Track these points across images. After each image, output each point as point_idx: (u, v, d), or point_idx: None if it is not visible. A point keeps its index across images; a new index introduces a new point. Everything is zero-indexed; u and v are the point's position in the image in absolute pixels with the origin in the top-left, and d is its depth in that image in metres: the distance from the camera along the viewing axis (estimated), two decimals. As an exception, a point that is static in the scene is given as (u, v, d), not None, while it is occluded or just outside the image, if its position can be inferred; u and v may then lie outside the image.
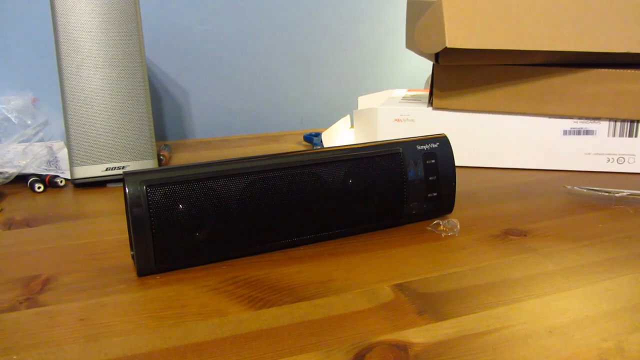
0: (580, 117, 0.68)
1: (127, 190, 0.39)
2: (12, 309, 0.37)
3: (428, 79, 0.97)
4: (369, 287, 0.39)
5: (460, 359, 0.31)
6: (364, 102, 0.93)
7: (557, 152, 0.70)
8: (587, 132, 0.69)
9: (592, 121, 0.68)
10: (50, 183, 0.67)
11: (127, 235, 0.51)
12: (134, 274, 0.42)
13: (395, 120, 0.74)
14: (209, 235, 0.42)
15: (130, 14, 0.66)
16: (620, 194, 0.58)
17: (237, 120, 1.07)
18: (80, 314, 0.36)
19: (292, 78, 1.09)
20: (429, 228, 0.51)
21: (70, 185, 0.68)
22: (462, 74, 0.70)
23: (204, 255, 0.43)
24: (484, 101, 0.70)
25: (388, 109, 0.75)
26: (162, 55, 0.99)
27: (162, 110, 1.02)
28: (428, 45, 0.66)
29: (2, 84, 0.89)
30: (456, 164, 0.73)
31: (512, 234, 0.49)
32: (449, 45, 0.62)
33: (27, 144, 0.78)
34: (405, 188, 0.49)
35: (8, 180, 0.68)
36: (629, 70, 0.65)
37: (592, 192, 0.59)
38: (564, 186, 0.63)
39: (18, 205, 0.61)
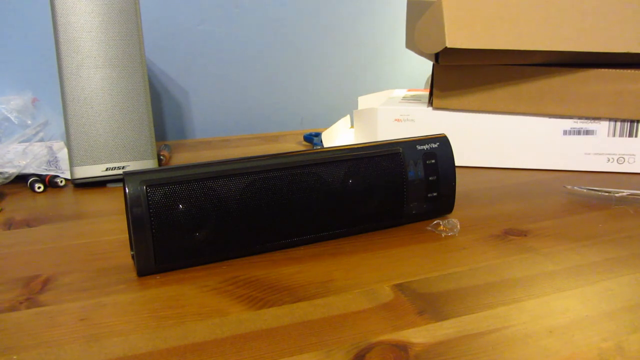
0: (580, 117, 0.68)
1: (127, 190, 0.39)
2: (12, 309, 0.37)
3: (428, 79, 0.97)
4: (369, 287, 0.39)
5: (460, 359, 0.31)
6: (364, 102, 0.93)
7: (557, 152, 0.70)
8: (587, 132, 0.69)
9: (592, 121, 0.68)
10: (50, 183, 0.67)
11: (127, 235, 0.51)
12: (134, 274, 0.42)
13: (395, 120, 0.74)
14: (209, 235, 0.42)
15: (130, 14, 0.66)
16: (620, 194, 0.58)
17: (237, 120, 1.07)
18: (80, 314, 0.36)
19: (292, 78, 1.09)
20: (429, 228, 0.51)
21: (70, 185, 0.68)
22: (462, 74, 0.70)
23: (204, 255, 0.43)
24: (484, 101, 0.70)
25: (388, 109, 0.75)
26: (162, 55, 0.99)
27: (162, 110, 1.02)
28: (428, 45, 0.66)
29: (2, 84, 0.89)
30: (456, 164, 0.73)
31: (512, 234, 0.49)
32: (449, 45, 0.62)
33: (27, 144, 0.78)
34: (405, 188, 0.49)
35: (8, 180, 0.68)
36: (629, 70, 0.65)
37: (592, 192, 0.59)
38: (564, 186, 0.63)
39: (18, 205, 0.61)
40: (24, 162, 0.70)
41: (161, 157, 0.79)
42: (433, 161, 0.50)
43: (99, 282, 0.41)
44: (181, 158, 0.84)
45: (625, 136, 0.68)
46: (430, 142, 0.50)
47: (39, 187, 0.66)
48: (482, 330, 0.33)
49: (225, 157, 0.59)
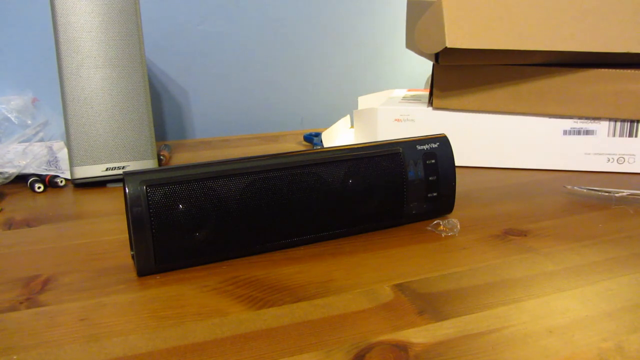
0: (580, 117, 0.68)
1: (127, 190, 0.39)
2: (12, 309, 0.37)
3: (428, 79, 0.97)
4: (369, 287, 0.39)
5: (460, 359, 0.31)
6: (364, 102, 0.93)
7: (557, 152, 0.70)
8: (587, 132, 0.69)
9: (592, 121, 0.68)
10: (50, 183, 0.67)
11: (127, 235, 0.51)
12: (134, 274, 0.42)
13: (395, 120, 0.74)
14: (209, 235, 0.42)
15: (130, 14, 0.66)
16: (620, 194, 0.58)
17: (237, 120, 1.07)
18: (80, 314, 0.36)
19: (292, 78, 1.09)
20: (429, 228, 0.51)
21: (70, 185, 0.68)
22: (462, 74, 0.70)
23: (204, 255, 0.43)
24: (484, 101, 0.70)
25: (388, 109, 0.75)
26: (162, 55, 0.99)
27: (162, 110, 1.02)
28: (428, 45, 0.66)
29: (2, 84, 0.89)
30: (456, 164, 0.73)
31: (512, 234, 0.49)
32: (449, 45, 0.62)
33: (27, 144, 0.78)
34: (405, 188, 0.49)
35: (8, 180, 0.68)
36: (629, 70, 0.65)
37: (592, 192, 0.59)
38: (564, 186, 0.63)
39: (18, 205, 0.61)
40: (24, 162, 0.70)
41: (161, 157, 0.79)
42: (433, 161, 0.50)
43: (99, 282, 0.41)
44: (181, 158, 0.84)
45: (625, 136, 0.68)
46: (430, 142, 0.50)
47: (39, 187, 0.66)
48: (482, 330, 0.33)
49: (225, 157, 0.60)
